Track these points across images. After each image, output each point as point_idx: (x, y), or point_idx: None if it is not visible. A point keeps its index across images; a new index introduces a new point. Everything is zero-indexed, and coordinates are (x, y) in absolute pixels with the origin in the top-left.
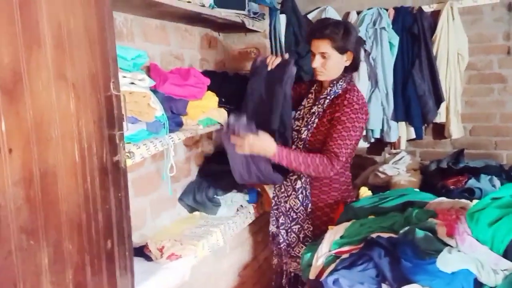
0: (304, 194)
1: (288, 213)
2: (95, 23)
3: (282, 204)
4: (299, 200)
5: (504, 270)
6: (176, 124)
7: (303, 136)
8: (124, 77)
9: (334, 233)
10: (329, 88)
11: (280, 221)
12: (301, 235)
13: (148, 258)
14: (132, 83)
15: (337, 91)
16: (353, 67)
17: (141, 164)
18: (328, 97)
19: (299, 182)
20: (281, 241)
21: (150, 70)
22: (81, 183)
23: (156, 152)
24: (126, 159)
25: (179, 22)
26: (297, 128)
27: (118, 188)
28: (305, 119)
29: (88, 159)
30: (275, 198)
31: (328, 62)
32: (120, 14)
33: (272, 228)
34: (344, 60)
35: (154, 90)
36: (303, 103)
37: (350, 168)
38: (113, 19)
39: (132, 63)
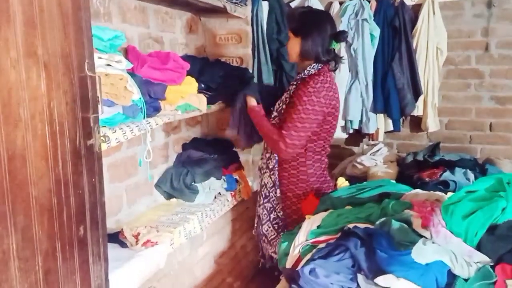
0: (275, 175)
1: (263, 189)
2: (69, 0)
3: (261, 178)
4: (271, 180)
5: (477, 262)
6: (153, 108)
7: (274, 121)
8: (100, 58)
9: (311, 223)
10: (298, 76)
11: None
12: (272, 216)
13: (123, 245)
14: (109, 64)
15: (303, 77)
16: (310, 55)
17: (117, 149)
18: (295, 83)
19: (272, 161)
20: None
21: (127, 53)
22: (52, 166)
23: (132, 136)
24: (101, 143)
25: (160, 4)
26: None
27: (92, 173)
28: (278, 105)
29: (60, 142)
30: (259, 171)
31: (288, 44)
32: None
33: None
34: (297, 44)
35: (131, 73)
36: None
37: (322, 161)
38: None
39: (109, 44)
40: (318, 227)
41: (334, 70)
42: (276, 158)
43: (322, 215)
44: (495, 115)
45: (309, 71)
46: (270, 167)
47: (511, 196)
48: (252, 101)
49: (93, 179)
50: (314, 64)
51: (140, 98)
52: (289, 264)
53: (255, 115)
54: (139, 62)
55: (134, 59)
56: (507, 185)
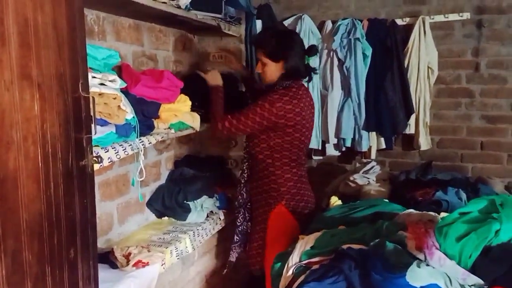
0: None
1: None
2: (64, 20)
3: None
4: (245, 189)
5: (472, 285)
6: (147, 127)
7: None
8: (94, 77)
9: (304, 243)
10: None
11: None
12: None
13: (114, 265)
14: (102, 84)
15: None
16: (291, 74)
17: (109, 167)
18: None
19: (244, 174)
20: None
21: (121, 71)
22: (44, 189)
23: (125, 156)
24: (93, 164)
25: (154, 23)
26: None
27: (83, 194)
28: None
29: (52, 163)
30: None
31: (266, 68)
32: (91, 12)
33: None
34: (279, 68)
35: (125, 91)
36: None
37: (294, 173)
38: (84, 17)
39: (103, 63)
40: (312, 247)
41: (309, 81)
42: (248, 171)
43: (316, 235)
44: (486, 134)
45: (278, 88)
46: (246, 179)
47: (505, 218)
48: (217, 80)
49: (85, 200)
50: (284, 81)
51: (133, 117)
52: (282, 285)
53: (215, 92)
54: (133, 80)
55: (128, 77)
56: (500, 206)
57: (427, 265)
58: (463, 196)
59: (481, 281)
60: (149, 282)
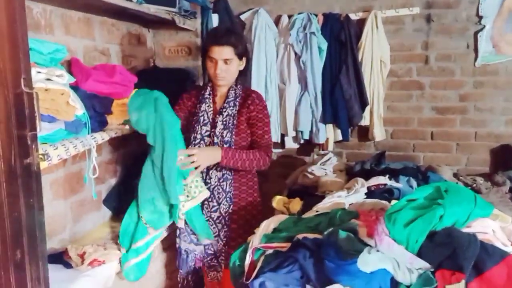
0: (229, 195)
1: (220, 219)
2: (3, 13)
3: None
4: (227, 202)
5: (418, 269)
6: (99, 123)
7: (227, 138)
8: (39, 72)
9: (267, 226)
10: (232, 91)
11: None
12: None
13: (68, 265)
14: (49, 79)
15: (240, 92)
16: (245, 70)
17: (60, 165)
18: (237, 99)
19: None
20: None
21: (71, 66)
22: None
23: (76, 153)
24: (39, 162)
25: (105, 16)
26: (209, 133)
27: (29, 193)
28: (222, 123)
29: None
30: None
31: (230, 68)
32: (37, 4)
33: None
34: (240, 65)
35: (75, 87)
36: (202, 109)
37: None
38: (25, 9)
39: (49, 57)
40: (275, 229)
41: None
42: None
43: (280, 218)
44: (436, 124)
45: (240, 86)
46: (227, 190)
47: (448, 204)
48: (212, 154)
49: (31, 200)
50: (239, 79)
51: (84, 113)
52: (246, 269)
53: (229, 158)
54: (83, 75)
55: (78, 72)
56: (445, 193)
57: (377, 251)
58: (414, 184)
59: (427, 265)
60: (105, 280)
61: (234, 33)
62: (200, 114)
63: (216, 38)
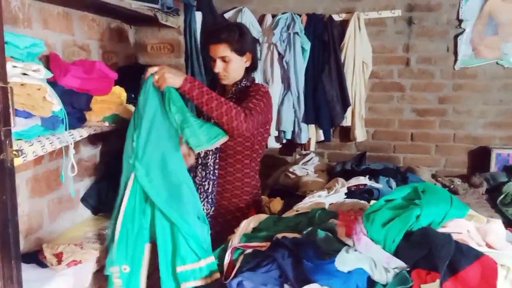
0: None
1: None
2: None
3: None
4: (209, 204)
5: (395, 268)
6: (77, 120)
7: None
8: (15, 67)
9: (247, 224)
10: (233, 88)
11: None
12: None
13: (43, 265)
14: (25, 74)
15: (241, 89)
16: (253, 67)
17: (37, 162)
18: (234, 96)
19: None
20: None
21: (49, 61)
22: None
23: (53, 149)
24: (13, 158)
25: (85, 11)
26: None
27: (2, 190)
28: None
29: None
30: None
31: (230, 65)
32: None
33: None
34: (244, 62)
35: (53, 82)
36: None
37: (259, 173)
38: (1, 2)
39: (26, 52)
40: (254, 229)
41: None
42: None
43: (260, 217)
44: (416, 126)
45: (245, 83)
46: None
47: (425, 204)
48: (175, 73)
49: (4, 197)
50: (246, 77)
51: (61, 109)
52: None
53: (192, 85)
54: (61, 70)
55: (56, 67)
56: (422, 193)
57: (355, 250)
58: (393, 184)
59: (403, 264)
60: (82, 280)
61: (227, 29)
62: (202, 114)
63: (209, 35)
